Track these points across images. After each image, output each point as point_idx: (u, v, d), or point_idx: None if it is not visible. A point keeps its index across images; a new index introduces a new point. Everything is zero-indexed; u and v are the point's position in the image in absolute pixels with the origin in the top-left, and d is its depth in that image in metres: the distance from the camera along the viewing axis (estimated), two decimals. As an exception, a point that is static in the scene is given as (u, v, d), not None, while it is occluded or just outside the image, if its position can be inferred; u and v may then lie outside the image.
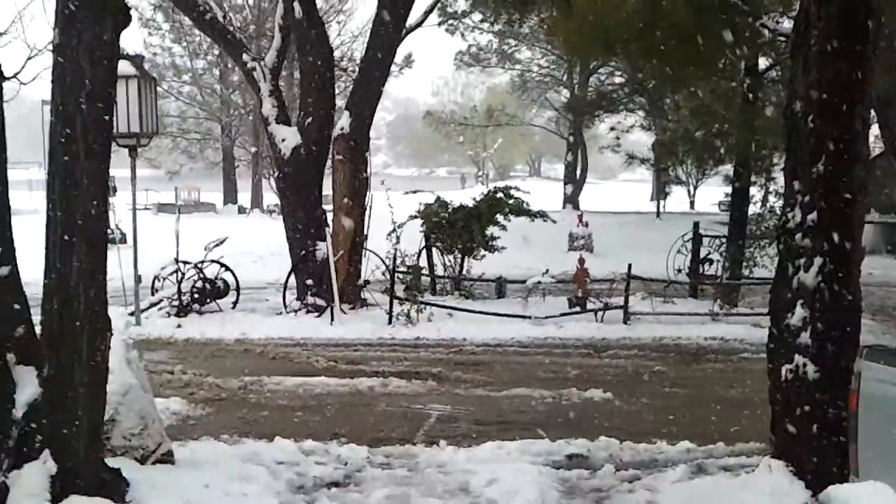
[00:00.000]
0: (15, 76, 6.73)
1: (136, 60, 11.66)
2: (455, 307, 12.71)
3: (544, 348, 11.05)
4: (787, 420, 5.26)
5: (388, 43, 13.15)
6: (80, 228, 4.75)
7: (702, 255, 15.07)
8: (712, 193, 42.18)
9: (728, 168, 16.74)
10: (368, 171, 13.50)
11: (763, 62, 13.86)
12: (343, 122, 13.20)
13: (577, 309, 12.61)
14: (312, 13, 13.21)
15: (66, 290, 4.78)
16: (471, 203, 14.54)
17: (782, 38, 11.81)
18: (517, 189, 14.89)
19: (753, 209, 15.95)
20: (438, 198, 14.76)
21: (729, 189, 17.03)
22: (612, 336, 11.65)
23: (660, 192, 36.66)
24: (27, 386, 4.74)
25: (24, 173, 31.05)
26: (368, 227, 13.55)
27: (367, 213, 13.43)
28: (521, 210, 14.56)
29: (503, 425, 7.56)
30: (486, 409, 8.13)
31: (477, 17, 27.32)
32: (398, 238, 13.31)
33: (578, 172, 40.65)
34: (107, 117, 4.84)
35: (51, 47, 4.89)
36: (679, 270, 15.27)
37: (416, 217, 14.42)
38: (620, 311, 12.40)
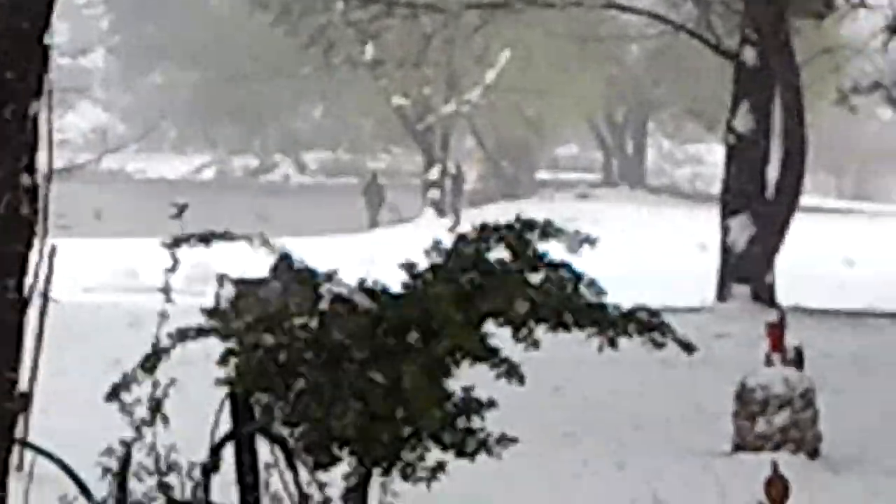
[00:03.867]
0: None
1: None
2: None
3: None
4: None
5: None
6: None
7: None
8: None
9: None
10: (45, 158, 6.94)
11: None
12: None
13: None
14: None
15: None
16: (399, 283, 8.41)
17: None
18: (561, 233, 8.36)
19: None
20: (285, 257, 8.53)
21: None
22: None
23: None
24: None
25: None
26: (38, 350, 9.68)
27: (33, 306, 7.04)
28: (572, 304, 8.33)
29: None
30: None
31: None
32: (155, 403, 8.82)
33: (775, 180, 20.13)
34: None
35: None
36: None
37: (199, 333, 8.81)
38: None
